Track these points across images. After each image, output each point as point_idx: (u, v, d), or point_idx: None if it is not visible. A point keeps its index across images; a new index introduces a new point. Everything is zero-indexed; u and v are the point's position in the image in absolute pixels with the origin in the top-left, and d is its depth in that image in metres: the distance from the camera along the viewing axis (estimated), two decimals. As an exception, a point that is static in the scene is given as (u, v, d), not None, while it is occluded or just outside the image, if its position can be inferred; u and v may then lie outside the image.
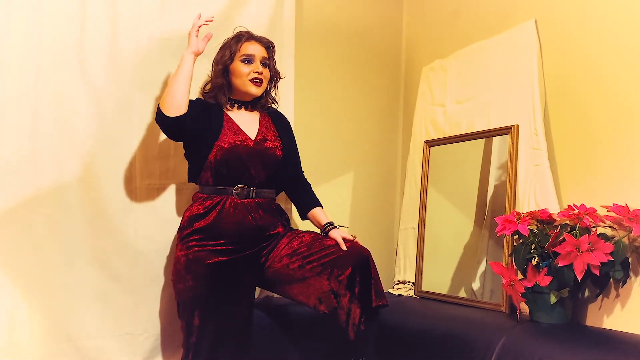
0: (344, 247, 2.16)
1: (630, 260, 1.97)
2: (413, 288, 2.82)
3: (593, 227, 2.01)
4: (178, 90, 2.10)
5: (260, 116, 2.37)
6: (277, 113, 2.44)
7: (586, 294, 2.11)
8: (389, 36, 3.26)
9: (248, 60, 2.27)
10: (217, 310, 2.14)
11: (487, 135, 2.57)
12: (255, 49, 2.28)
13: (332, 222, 2.29)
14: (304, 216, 2.41)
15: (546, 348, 1.81)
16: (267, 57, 2.32)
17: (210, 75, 2.37)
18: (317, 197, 2.42)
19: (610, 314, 2.05)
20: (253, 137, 2.27)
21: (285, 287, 2.22)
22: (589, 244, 1.90)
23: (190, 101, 2.17)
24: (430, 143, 2.85)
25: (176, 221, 2.33)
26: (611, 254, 1.90)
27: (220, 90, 2.29)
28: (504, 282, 2.10)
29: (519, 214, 2.11)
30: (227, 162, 2.20)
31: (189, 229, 2.19)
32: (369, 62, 3.19)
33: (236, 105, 2.33)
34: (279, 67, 2.42)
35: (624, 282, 1.97)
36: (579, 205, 2.02)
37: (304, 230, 2.31)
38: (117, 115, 2.34)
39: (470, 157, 2.65)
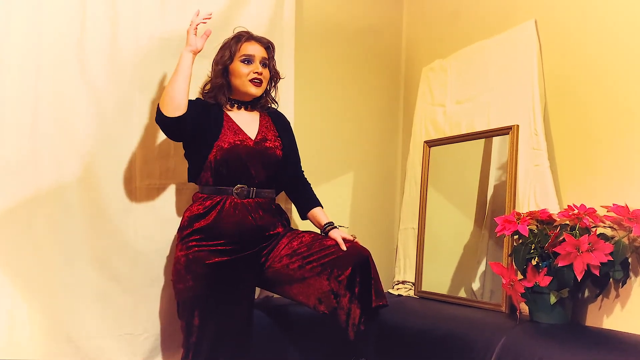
0: (344, 247, 2.16)
1: (630, 260, 1.97)
2: (413, 288, 2.82)
3: (593, 227, 2.01)
4: (177, 90, 2.10)
5: (260, 116, 2.37)
6: (277, 113, 2.44)
7: (586, 294, 2.11)
8: (389, 36, 3.26)
9: (248, 60, 2.27)
10: (217, 310, 2.14)
11: (487, 135, 2.57)
12: (255, 49, 2.28)
13: (332, 222, 2.29)
14: (303, 216, 2.41)
15: (546, 348, 1.81)
16: (266, 57, 2.32)
17: (210, 75, 2.37)
18: (317, 197, 2.42)
19: (610, 314, 2.05)
20: (253, 137, 2.27)
21: (285, 287, 2.22)
22: (588, 244, 1.90)
23: (190, 101, 2.17)
24: (430, 143, 2.85)
25: (176, 221, 2.33)
26: (611, 254, 1.90)
27: (220, 90, 2.29)
28: (504, 282, 2.10)
29: (518, 214, 2.11)
30: (227, 162, 2.20)
31: (189, 229, 2.19)
32: (369, 62, 3.19)
33: (236, 105, 2.33)
34: (279, 67, 2.42)
35: (624, 282, 1.97)
36: (578, 206, 2.02)
37: (304, 231, 2.32)
38: (117, 115, 2.35)
39: (470, 157, 2.65)
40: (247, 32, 2.33)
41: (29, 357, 2.16)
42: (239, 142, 2.23)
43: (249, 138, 2.26)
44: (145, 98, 2.40)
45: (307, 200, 2.40)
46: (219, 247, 2.16)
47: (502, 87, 2.56)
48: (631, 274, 1.98)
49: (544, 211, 2.12)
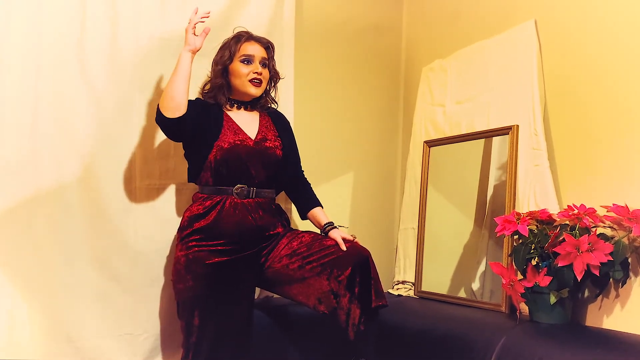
0: (344, 248, 2.16)
1: (629, 260, 1.97)
2: (413, 288, 2.82)
3: (593, 227, 2.01)
4: (177, 90, 2.10)
5: (260, 116, 2.37)
6: (276, 113, 2.44)
7: (586, 294, 2.11)
8: (389, 36, 3.26)
9: (247, 60, 2.27)
10: (217, 310, 2.14)
11: (487, 135, 2.57)
12: (254, 49, 2.28)
13: (331, 222, 2.29)
14: (303, 216, 2.41)
15: (546, 348, 1.81)
16: (266, 57, 2.32)
17: (209, 75, 2.37)
18: (317, 197, 2.42)
19: (610, 314, 2.05)
20: (253, 137, 2.27)
21: (285, 287, 2.22)
22: (588, 244, 1.90)
23: (190, 101, 2.17)
24: (430, 143, 2.85)
25: (176, 221, 2.33)
26: (611, 254, 1.90)
27: (220, 90, 2.29)
28: (504, 282, 2.10)
29: (518, 214, 2.11)
30: (227, 162, 2.20)
31: (188, 229, 2.19)
32: (369, 62, 3.19)
33: (236, 105, 2.33)
34: (278, 67, 2.42)
35: (624, 282, 1.97)
36: (578, 206, 2.02)
37: (304, 231, 2.32)
38: (117, 115, 2.35)
39: (470, 157, 2.65)
40: (247, 32, 2.33)
41: (29, 357, 2.16)
42: (239, 142, 2.23)
43: (249, 138, 2.26)
44: (145, 98, 2.40)
45: (307, 200, 2.40)
46: (219, 247, 2.16)
47: (502, 87, 2.56)
48: (631, 274, 1.98)
49: (543, 211, 2.12)
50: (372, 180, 3.19)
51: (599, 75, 2.19)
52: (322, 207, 2.39)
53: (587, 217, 2.00)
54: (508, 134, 2.45)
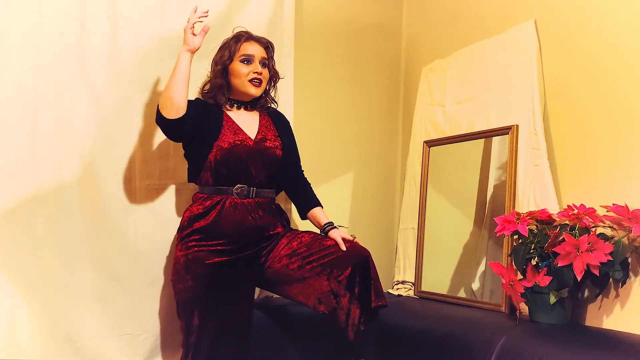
0: (344, 248, 2.16)
1: (629, 260, 1.97)
2: (413, 288, 2.82)
3: (592, 227, 2.01)
4: (176, 91, 2.10)
5: (260, 116, 2.37)
6: (276, 113, 2.45)
7: (586, 294, 2.11)
8: (389, 36, 3.26)
9: (247, 60, 2.27)
10: (216, 310, 2.14)
11: (487, 135, 2.57)
12: (254, 49, 2.28)
13: (331, 222, 2.29)
14: (303, 216, 2.41)
15: (546, 348, 1.81)
16: (266, 57, 2.32)
17: (209, 75, 2.37)
18: (317, 197, 2.42)
19: (609, 314, 2.05)
20: (253, 137, 2.27)
21: (284, 287, 2.22)
22: (588, 244, 1.90)
23: (190, 101, 2.17)
24: (430, 143, 2.85)
25: (176, 221, 2.33)
26: (611, 254, 1.90)
27: (220, 90, 2.29)
28: (504, 282, 2.10)
29: (518, 214, 2.11)
30: (227, 162, 2.20)
31: (188, 229, 2.19)
32: (369, 62, 3.19)
33: (235, 105, 2.33)
34: (278, 67, 2.42)
35: (624, 282, 1.97)
36: (578, 206, 2.02)
37: (304, 231, 2.32)
38: (117, 115, 2.35)
39: (470, 157, 2.65)
40: (247, 32, 2.33)
41: (29, 357, 2.16)
42: (238, 142, 2.23)
43: (249, 138, 2.26)
44: (145, 98, 2.40)
45: (307, 200, 2.40)
46: (219, 247, 2.16)
47: (502, 87, 2.56)
48: (631, 273, 1.98)
49: (543, 211, 2.12)
50: (372, 180, 3.19)
51: (599, 75, 2.19)
52: (322, 207, 2.39)
53: (587, 217, 2.00)
54: (508, 134, 2.45)
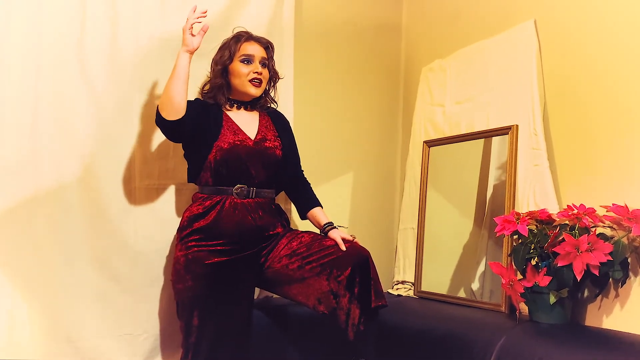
0: (343, 248, 2.16)
1: (629, 260, 1.97)
2: (412, 288, 2.82)
3: (592, 227, 2.01)
4: (175, 92, 2.09)
5: (260, 116, 2.37)
6: (276, 113, 2.45)
7: (585, 294, 2.11)
8: (389, 36, 3.26)
9: (247, 60, 2.27)
10: (216, 310, 2.14)
11: (487, 135, 2.57)
12: (254, 49, 2.29)
13: (331, 223, 2.29)
14: (303, 216, 2.41)
15: (546, 348, 1.81)
16: (266, 57, 2.32)
17: (209, 75, 2.37)
18: (317, 197, 2.42)
19: (609, 314, 2.05)
20: (253, 137, 2.27)
21: (284, 287, 2.22)
22: (588, 244, 1.91)
23: (189, 102, 2.17)
24: (430, 143, 2.85)
25: (176, 221, 2.33)
26: (610, 254, 1.90)
27: (220, 90, 2.29)
28: (504, 282, 2.10)
29: (518, 214, 2.11)
30: (226, 162, 2.20)
31: (188, 229, 2.19)
32: (369, 62, 3.19)
33: (235, 105, 2.33)
34: (278, 67, 2.43)
35: (623, 282, 1.97)
36: (578, 206, 2.02)
37: (304, 231, 2.32)
38: (117, 115, 2.35)
39: (470, 157, 2.65)
40: (247, 32, 2.33)
41: (29, 357, 2.16)
42: (238, 142, 2.23)
43: (249, 138, 2.26)
44: (145, 98, 2.40)
45: (306, 200, 2.40)
46: (219, 247, 2.16)
47: (502, 87, 2.56)
48: (630, 273, 1.98)
49: (543, 211, 2.12)
50: (372, 181, 3.19)
51: (599, 75, 2.19)
52: (322, 207, 2.39)
53: (587, 217, 2.00)
54: (508, 134, 2.45)
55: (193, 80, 2.25)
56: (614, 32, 2.15)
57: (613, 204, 1.96)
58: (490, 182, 2.55)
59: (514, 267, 2.11)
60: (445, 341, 2.13)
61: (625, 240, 1.94)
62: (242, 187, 2.22)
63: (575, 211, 2.01)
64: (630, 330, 1.96)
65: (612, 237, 1.98)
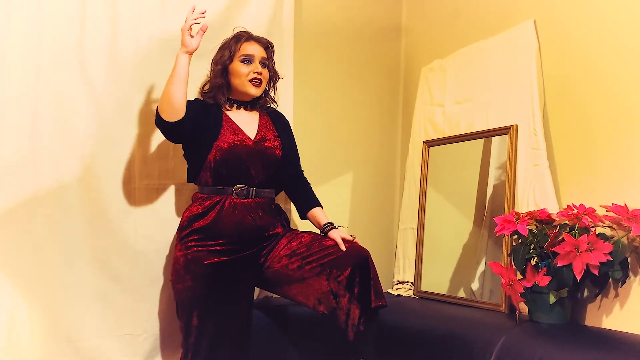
0: (343, 248, 2.16)
1: (629, 260, 1.97)
2: (412, 288, 2.82)
3: (592, 227, 2.01)
4: (175, 94, 2.09)
5: (260, 116, 2.37)
6: (276, 113, 2.45)
7: (585, 294, 2.11)
8: (389, 36, 3.26)
9: (247, 60, 2.27)
10: (216, 310, 2.14)
11: (486, 135, 2.57)
12: (254, 49, 2.29)
13: (331, 223, 2.29)
14: (303, 216, 2.41)
15: (545, 348, 1.81)
16: (266, 57, 2.32)
17: (209, 75, 2.37)
18: (317, 197, 2.42)
19: (609, 314, 2.05)
20: (252, 137, 2.27)
21: (284, 287, 2.22)
22: (588, 243, 1.91)
23: (189, 102, 2.17)
24: (430, 143, 2.85)
25: (176, 221, 2.34)
26: (610, 253, 1.90)
27: (220, 90, 2.29)
28: (503, 282, 2.10)
29: (518, 214, 2.11)
30: (226, 162, 2.20)
31: (188, 229, 2.19)
32: (369, 62, 3.19)
33: (235, 105, 2.33)
34: (278, 67, 2.43)
35: (623, 282, 1.97)
36: (578, 205, 2.02)
37: (304, 231, 2.32)
38: (117, 115, 2.35)
39: (470, 157, 2.65)
40: (247, 32, 2.33)
41: (29, 357, 2.16)
42: (238, 142, 2.23)
43: (249, 138, 2.26)
44: (145, 98, 2.40)
45: (306, 200, 2.40)
46: (218, 247, 2.16)
47: (501, 87, 2.56)
48: (630, 273, 1.98)
49: (543, 211, 2.12)
50: (372, 181, 3.19)
51: (599, 75, 2.19)
52: (322, 207, 2.39)
53: (587, 217, 2.00)
54: (507, 133, 2.45)
55: (193, 80, 2.25)
56: (614, 32, 2.15)
57: (613, 204, 1.96)
58: (490, 182, 2.56)
59: (514, 267, 2.11)
60: (445, 341, 2.13)
61: (625, 240, 1.94)
62: (241, 187, 2.22)
63: (575, 211, 2.01)
64: (630, 330, 1.96)
65: (611, 237, 1.98)
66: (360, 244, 2.22)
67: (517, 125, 2.42)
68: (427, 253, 2.77)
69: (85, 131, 2.29)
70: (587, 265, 1.90)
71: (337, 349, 2.14)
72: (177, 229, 2.25)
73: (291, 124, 2.52)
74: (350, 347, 2.08)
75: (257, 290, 2.46)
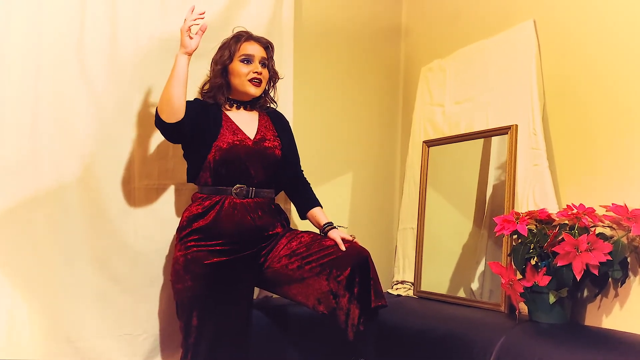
0: (343, 248, 2.16)
1: (629, 259, 1.97)
2: (412, 288, 2.82)
3: (592, 226, 2.01)
4: (174, 95, 2.09)
5: (260, 116, 2.37)
6: (276, 113, 2.45)
7: (585, 293, 2.11)
8: (389, 36, 3.26)
9: (247, 60, 2.27)
10: (215, 310, 2.14)
11: (486, 135, 2.57)
12: (254, 49, 2.29)
13: (331, 223, 2.28)
14: (303, 216, 2.41)
15: (545, 348, 1.81)
16: (266, 57, 2.32)
17: (209, 75, 2.37)
18: (317, 197, 2.42)
19: (609, 314, 2.05)
20: (252, 137, 2.27)
21: (284, 287, 2.22)
22: (587, 243, 1.91)
23: (188, 102, 2.16)
24: (429, 143, 2.85)
25: (175, 221, 2.33)
26: (610, 253, 1.90)
27: (219, 90, 2.29)
28: (503, 282, 2.10)
29: (517, 213, 2.11)
30: (226, 162, 2.20)
31: (187, 229, 2.19)
32: (368, 62, 3.19)
33: (235, 105, 2.33)
34: (278, 67, 2.43)
35: (623, 282, 1.97)
36: (577, 205, 2.02)
37: (303, 231, 2.32)
38: (117, 115, 2.35)
39: (469, 157, 2.65)
40: (247, 32, 2.33)
41: (29, 357, 2.16)
42: (237, 142, 2.23)
43: (248, 138, 2.26)
44: (145, 98, 2.40)
45: (306, 200, 2.40)
46: (218, 247, 2.16)
47: (501, 87, 2.56)
48: (630, 273, 1.98)
49: (542, 211, 2.12)
50: (372, 181, 3.20)
51: (598, 75, 2.20)
52: (322, 207, 2.39)
53: (586, 217, 2.00)
54: (507, 133, 2.45)
55: (193, 80, 2.25)
56: (613, 32, 2.15)
57: (612, 204, 1.96)
58: (489, 182, 2.56)
59: (514, 266, 2.11)
60: (445, 341, 2.13)
61: (624, 240, 1.94)
62: (241, 187, 2.22)
63: (575, 211, 2.01)
64: (630, 330, 1.96)
65: (611, 237, 1.98)
66: (360, 244, 2.22)
67: (516, 125, 2.42)
68: (427, 253, 2.77)
69: (85, 131, 2.29)
70: (586, 265, 1.90)
71: (337, 349, 2.14)
72: (177, 229, 2.25)
73: (291, 124, 2.52)
74: (350, 347, 2.08)
75: (257, 290, 2.46)
